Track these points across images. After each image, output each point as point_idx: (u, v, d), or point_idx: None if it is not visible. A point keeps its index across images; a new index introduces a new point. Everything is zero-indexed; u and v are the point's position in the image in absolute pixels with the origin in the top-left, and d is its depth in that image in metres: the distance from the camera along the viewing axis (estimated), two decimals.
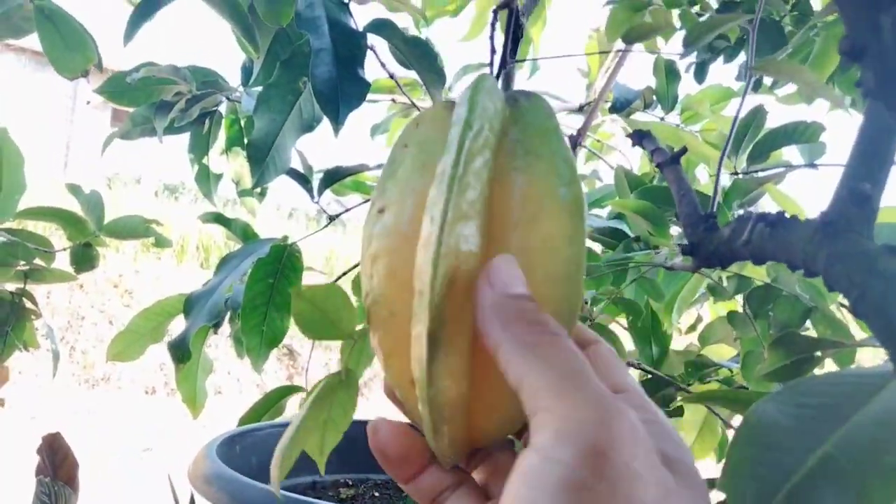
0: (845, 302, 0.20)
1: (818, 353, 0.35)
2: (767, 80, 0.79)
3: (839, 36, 0.46)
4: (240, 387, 3.83)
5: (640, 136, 0.36)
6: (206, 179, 1.07)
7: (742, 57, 0.70)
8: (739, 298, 0.70)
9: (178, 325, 0.83)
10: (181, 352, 0.70)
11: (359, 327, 0.33)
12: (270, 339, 0.85)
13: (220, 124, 1.00)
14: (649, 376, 0.83)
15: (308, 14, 0.57)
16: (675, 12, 0.66)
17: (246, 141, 1.06)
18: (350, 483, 0.98)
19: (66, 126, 8.25)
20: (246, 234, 1.07)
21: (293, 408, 1.21)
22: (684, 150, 0.32)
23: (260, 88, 0.74)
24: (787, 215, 0.21)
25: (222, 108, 0.98)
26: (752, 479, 0.20)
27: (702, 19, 0.66)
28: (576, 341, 0.26)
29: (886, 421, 0.21)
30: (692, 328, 1.14)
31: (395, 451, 0.24)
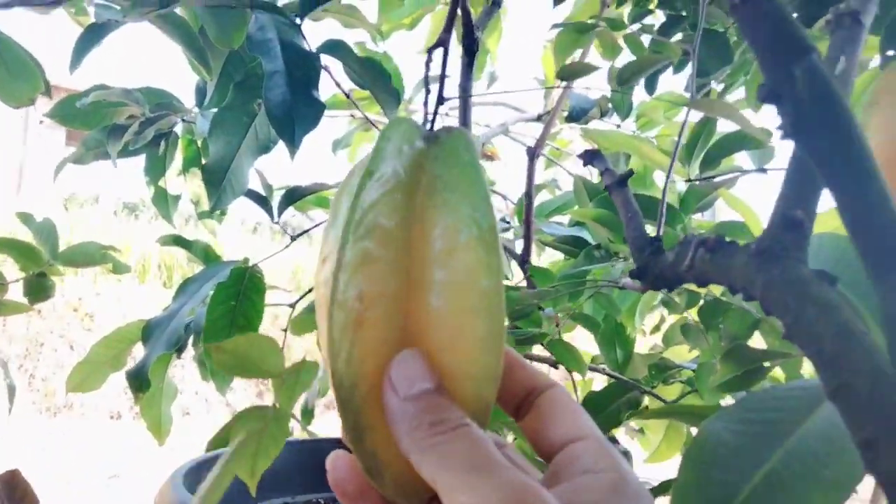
0: None
1: (767, 364, 0.36)
2: (717, 87, 0.81)
3: None
4: (208, 407, 3.76)
5: (590, 156, 0.37)
6: (164, 201, 1.06)
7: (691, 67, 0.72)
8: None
9: (140, 351, 0.82)
10: (139, 381, 0.69)
11: (288, 364, 0.33)
12: None
13: (176, 145, 0.99)
14: (614, 381, 0.84)
15: (259, 37, 0.57)
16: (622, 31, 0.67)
17: (203, 162, 1.05)
18: (322, 502, 0.97)
19: (19, 147, 8.02)
20: (207, 255, 1.05)
21: None
22: (631, 173, 0.33)
23: (215, 111, 0.73)
24: (727, 240, 0.22)
25: (178, 129, 0.97)
26: (700, 499, 0.20)
27: (645, 37, 0.68)
28: (530, 387, 0.26)
29: (826, 435, 0.22)
30: (656, 329, 1.16)
31: (353, 487, 0.24)
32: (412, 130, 0.25)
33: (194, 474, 0.82)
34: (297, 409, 1.15)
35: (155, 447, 0.98)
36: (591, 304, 0.72)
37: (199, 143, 1.02)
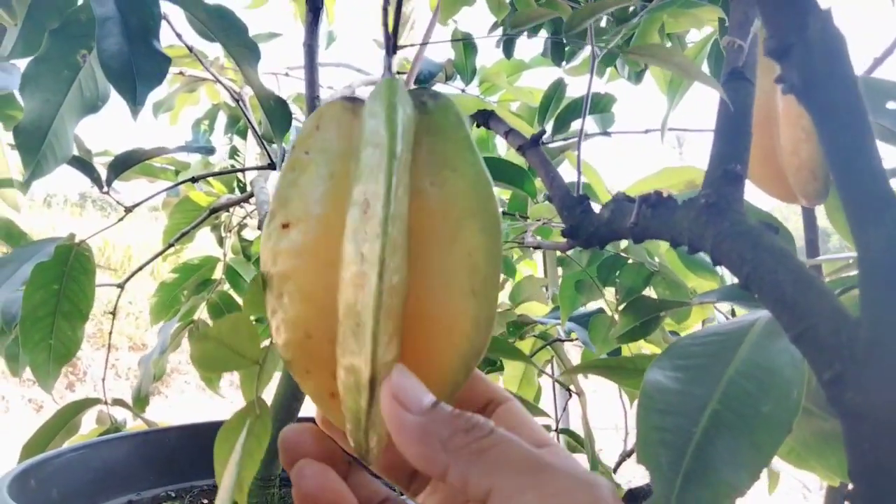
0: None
1: (662, 314, 0.39)
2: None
3: (658, 21, 0.51)
4: (6, 405, 3.32)
5: (484, 117, 0.36)
6: None
7: (544, 32, 0.75)
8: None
9: None
10: None
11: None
12: (62, 353, 0.74)
13: None
14: None
15: None
16: None
17: None
18: (173, 495, 0.90)
19: None
20: (10, 233, 0.92)
21: (90, 423, 1.07)
22: (543, 132, 0.33)
23: (17, 63, 0.62)
24: (664, 196, 0.23)
25: None
26: (661, 445, 0.21)
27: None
28: (488, 399, 0.26)
29: (751, 374, 0.24)
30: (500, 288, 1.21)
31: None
32: (406, 94, 0.23)
33: (21, 481, 0.71)
34: (127, 397, 1.06)
35: None
36: None
37: None
